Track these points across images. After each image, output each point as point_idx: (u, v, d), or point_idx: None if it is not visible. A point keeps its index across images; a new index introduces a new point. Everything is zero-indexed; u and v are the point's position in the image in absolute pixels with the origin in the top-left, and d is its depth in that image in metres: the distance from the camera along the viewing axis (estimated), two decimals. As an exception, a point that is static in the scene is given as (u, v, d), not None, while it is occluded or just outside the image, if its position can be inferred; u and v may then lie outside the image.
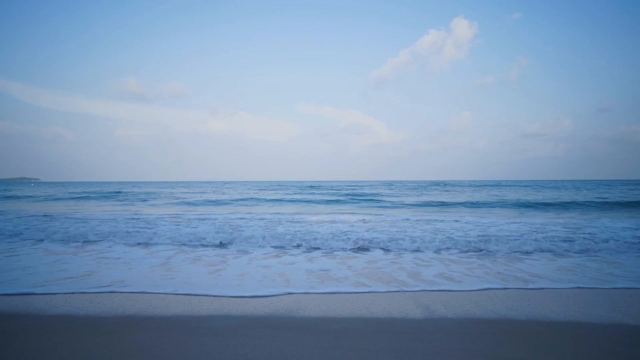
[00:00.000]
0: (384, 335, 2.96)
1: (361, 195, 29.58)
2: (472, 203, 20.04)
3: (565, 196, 25.24)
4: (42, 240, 7.82)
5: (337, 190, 37.64)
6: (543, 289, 4.39)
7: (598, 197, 23.45)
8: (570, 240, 7.21)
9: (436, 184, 60.27)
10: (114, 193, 32.27)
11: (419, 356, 2.60)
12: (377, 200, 23.81)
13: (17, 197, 28.53)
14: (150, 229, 8.98)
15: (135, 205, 21.38)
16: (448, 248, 6.90)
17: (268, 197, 26.78)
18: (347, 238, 7.50)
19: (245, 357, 2.57)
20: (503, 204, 19.06)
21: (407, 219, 11.64)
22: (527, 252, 6.58)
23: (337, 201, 23.56)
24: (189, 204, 21.73)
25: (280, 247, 7.11)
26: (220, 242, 7.42)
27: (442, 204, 20.04)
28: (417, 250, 6.72)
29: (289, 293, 4.19)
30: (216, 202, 22.78)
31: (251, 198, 25.66)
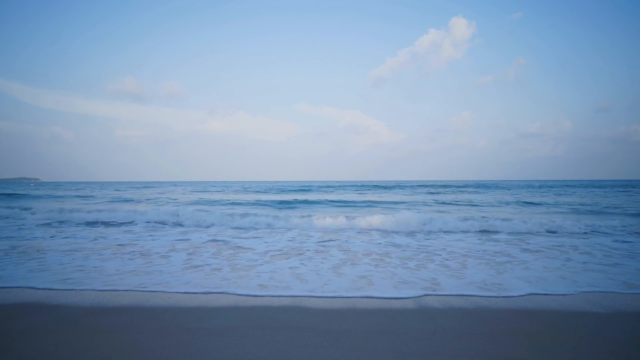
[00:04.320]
0: (384, 335, 2.96)
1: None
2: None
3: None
4: None
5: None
6: (544, 289, 4.39)
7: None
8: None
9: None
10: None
11: (419, 356, 2.60)
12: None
13: None
14: None
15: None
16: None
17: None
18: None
19: (245, 357, 2.56)
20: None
21: None
22: None
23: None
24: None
25: None
26: None
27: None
28: None
29: (290, 295, 4.19)
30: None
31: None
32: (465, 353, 2.64)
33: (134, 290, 4.24)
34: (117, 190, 38.45)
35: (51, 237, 8.41)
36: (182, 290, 4.25)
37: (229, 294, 4.15)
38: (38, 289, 4.28)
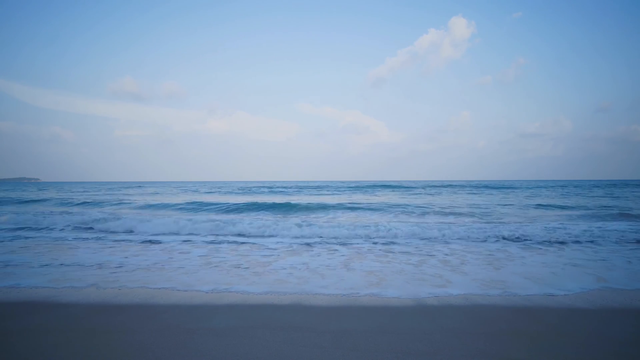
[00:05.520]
0: (384, 335, 2.96)
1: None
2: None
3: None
4: None
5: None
6: (543, 289, 4.39)
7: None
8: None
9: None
10: None
11: (419, 356, 2.60)
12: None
13: None
14: None
15: None
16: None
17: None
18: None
19: (245, 357, 2.56)
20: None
21: None
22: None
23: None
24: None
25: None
26: None
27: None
28: None
29: (290, 293, 4.19)
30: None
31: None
32: (465, 353, 2.64)
33: (133, 290, 4.24)
34: (110, 190, 38.14)
35: None
36: (183, 289, 4.25)
37: (230, 292, 4.15)
38: (36, 287, 4.28)
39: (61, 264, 5.62)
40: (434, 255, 6.52)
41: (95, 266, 5.52)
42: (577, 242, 7.74)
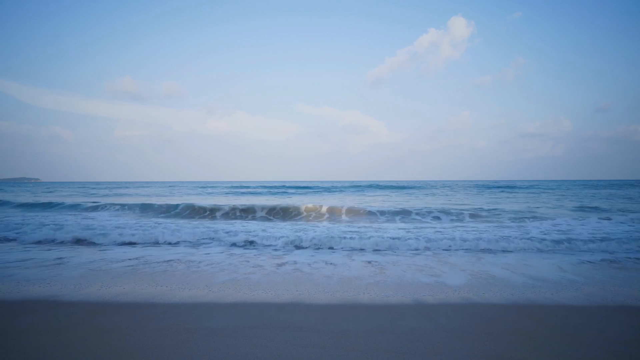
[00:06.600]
0: (384, 335, 2.96)
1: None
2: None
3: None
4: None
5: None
6: (543, 289, 4.39)
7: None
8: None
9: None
10: None
11: (419, 356, 2.60)
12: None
13: None
14: None
15: None
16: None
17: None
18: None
19: (245, 357, 2.56)
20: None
21: None
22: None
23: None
24: None
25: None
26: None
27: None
28: None
29: (290, 292, 4.19)
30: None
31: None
32: (465, 353, 2.64)
33: (133, 290, 4.24)
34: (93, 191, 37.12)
35: None
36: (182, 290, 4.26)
37: (231, 291, 4.15)
38: (36, 286, 4.28)
39: None
40: (429, 249, 6.87)
41: None
42: (576, 234, 7.74)
